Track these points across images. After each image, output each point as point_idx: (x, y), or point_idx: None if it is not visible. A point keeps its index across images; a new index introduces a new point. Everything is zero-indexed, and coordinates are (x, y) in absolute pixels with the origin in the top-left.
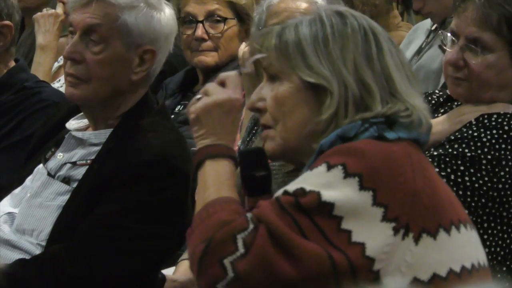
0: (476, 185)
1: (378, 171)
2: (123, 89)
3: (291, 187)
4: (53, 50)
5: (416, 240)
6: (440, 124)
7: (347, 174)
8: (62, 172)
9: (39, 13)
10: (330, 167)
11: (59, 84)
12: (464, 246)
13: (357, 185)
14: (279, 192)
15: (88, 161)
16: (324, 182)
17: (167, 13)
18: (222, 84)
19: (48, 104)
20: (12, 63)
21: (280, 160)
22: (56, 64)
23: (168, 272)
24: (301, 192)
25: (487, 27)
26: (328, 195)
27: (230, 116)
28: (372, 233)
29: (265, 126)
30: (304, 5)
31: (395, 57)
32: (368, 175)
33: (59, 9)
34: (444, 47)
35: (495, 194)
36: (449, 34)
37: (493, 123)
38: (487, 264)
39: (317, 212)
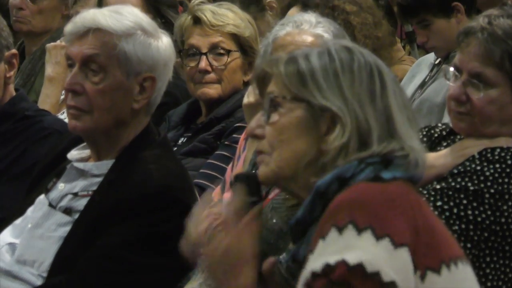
0: (479, 219)
1: (385, 217)
2: (125, 119)
3: (316, 264)
4: (62, 83)
5: (423, 278)
6: (443, 158)
7: (359, 230)
8: (64, 203)
9: (52, 44)
10: (340, 230)
11: (63, 117)
12: (463, 281)
13: (372, 238)
14: (307, 276)
15: (90, 192)
16: (342, 246)
17: (165, 41)
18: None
19: (50, 132)
20: (13, 92)
21: (272, 185)
22: (61, 97)
23: None
24: (328, 268)
25: (490, 62)
26: (353, 258)
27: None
28: (410, 276)
29: (261, 152)
30: (310, 39)
31: (398, 97)
32: (378, 224)
33: None
34: (448, 82)
35: (498, 228)
36: (452, 69)
37: (496, 157)
38: None
39: (353, 278)
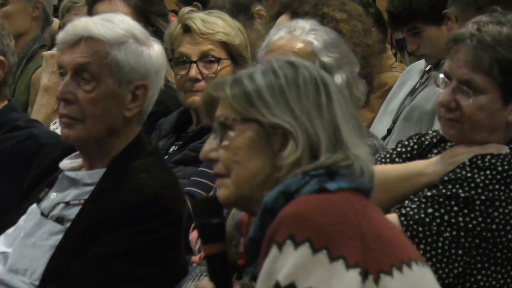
0: (470, 225)
1: (325, 228)
2: (117, 127)
3: (263, 287)
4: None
5: (376, 281)
6: (434, 165)
7: (297, 244)
8: (56, 212)
9: (49, 52)
10: (280, 247)
11: (55, 126)
12: (418, 282)
13: (309, 250)
14: None
15: (82, 201)
16: (278, 267)
17: (156, 49)
18: None
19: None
20: (5, 102)
21: (233, 207)
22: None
23: None
24: None
25: (479, 69)
26: (283, 277)
27: None
28: (346, 286)
29: (218, 175)
30: (299, 45)
31: (344, 107)
32: (316, 236)
33: None
34: (438, 88)
35: (489, 235)
36: (441, 75)
37: (487, 164)
38: None
39: None
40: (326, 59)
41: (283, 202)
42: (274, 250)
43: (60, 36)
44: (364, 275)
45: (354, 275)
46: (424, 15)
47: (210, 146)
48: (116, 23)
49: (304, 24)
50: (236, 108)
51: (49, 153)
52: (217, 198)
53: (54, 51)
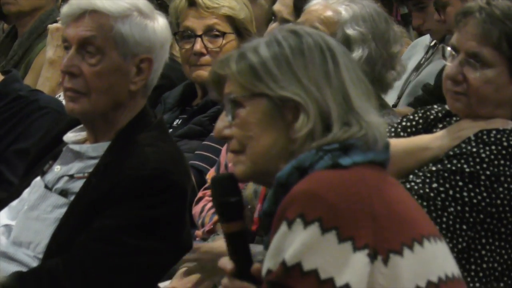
0: (475, 200)
1: (336, 207)
2: (122, 100)
3: (269, 264)
4: None
5: (385, 261)
6: (439, 140)
7: (306, 223)
8: (60, 185)
9: (54, 25)
10: (290, 224)
11: (59, 99)
12: (429, 261)
13: (318, 230)
14: (264, 274)
15: (86, 174)
16: (287, 244)
17: (161, 22)
18: None
19: (47, 111)
20: None
21: (250, 181)
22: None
23: (164, 285)
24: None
25: (487, 42)
26: (290, 255)
27: None
28: (351, 269)
29: (234, 152)
30: (328, 13)
31: (351, 72)
32: (327, 216)
33: None
34: (445, 61)
35: (494, 210)
36: (449, 48)
37: (492, 139)
38: (458, 275)
39: (291, 279)
40: (350, 31)
41: (297, 177)
42: (283, 227)
43: (64, 9)
44: (374, 256)
45: (361, 257)
46: None
47: (223, 123)
48: None
49: None
50: (244, 84)
51: (53, 126)
52: (234, 175)
53: (59, 24)
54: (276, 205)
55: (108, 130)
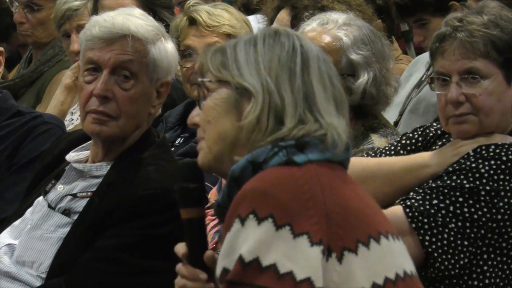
0: (475, 216)
1: (288, 204)
2: (141, 123)
3: (225, 262)
4: (75, 94)
5: (339, 259)
6: (438, 157)
7: (259, 219)
8: (63, 204)
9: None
10: (243, 221)
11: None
12: (386, 257)
13: (272, 226)
14: (219, 272)
15: (89, 193)
16: (241, 241)
17: (171, 44)
18: None
19: (52, 127)
20: None
21: (209, 171)
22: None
23: None
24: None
25: (476, 55)
26: (247, 252)
27: None
28: (310, 263)
29: (199, 139)
30: (327, 40)
31: (325, 77)
32: (279, 213)
33: None
34: (437, 92)
35: (494, 225)
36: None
37: (491, 154)
38: (415, 273)
39: (250, 275)
40: (354, 56)
41: (250, 172)
42: (236, 224)
43: (96, 31)
44: (328, 253)
45: (317, 252)
46: (431, 6)
47: (196, 111)
48: (145, 20)
49: (338, 17)
50: (211, 70)
51: (55, 146)
52: (197, 163)
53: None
54: (229, 198)
55: (118, 149)
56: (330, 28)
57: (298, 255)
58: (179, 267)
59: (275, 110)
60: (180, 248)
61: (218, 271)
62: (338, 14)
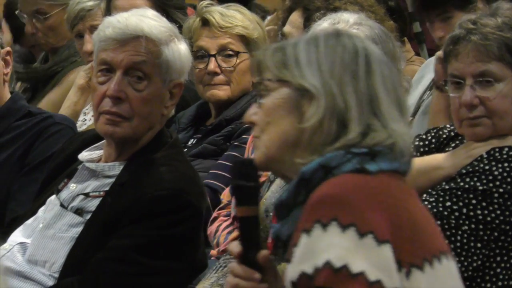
0: (488, 218)
1: (367, 213)
2: (154, 124)
3: (303, 266)
4: (89, 94)
5: (407, 274)
6: (452, 158)
7: (343, 227)
8: (75, 203)
9: (89, 49)
10: (325, 226)
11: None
12: (446, 278)
13: (355, 234)
14: (294, 275)
15: (101, 193)
16: (323, 246)
17: (184, 46)
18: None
19: (63, 127)
20: (8, 91)
21: (266, 170)
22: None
23: None
24: (316, 272)
25: (490, 58)
26: (335, 258)
27: None
28: (394, 272)
29: (255, 137)
30: None
31: (388, 80)
32: (360, 221)
33: None
34: (451, 94)
35: (508, 227)
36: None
37: (505, 156)
38: None
39: (343, 281)
40: None
41: (321, 175)
42: (317, 230)
43: (109, 32)
44: (398, 268)
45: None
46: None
47: (253, 109)
48: (158, 21)
49: (349, 17)
50: (273, 69)
51: (68, 145)
52: (254, 161)
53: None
54: (294, 198)
55: (131, 150)
56: (341, 28)
57: (385, 264)
58: (233, 265)
59: (338, 113)
60: (235, 246)
61: (294, 274)
62: (349, 14)
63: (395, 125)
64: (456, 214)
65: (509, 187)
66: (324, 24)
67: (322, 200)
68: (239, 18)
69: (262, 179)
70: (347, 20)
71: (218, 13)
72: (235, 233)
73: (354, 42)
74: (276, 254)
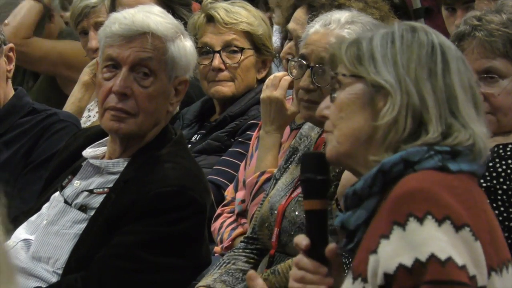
0: None
1: (457, 207)
2: (160, 121)
3: (402, 258)
4: (93, 90)
5: (488, 276)
6: None
7: (438, 221)
8: (79, 200)
9: (94, 46)
10: (421, 220)
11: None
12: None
13: (452, 228)
14: (391, 267)
15: (105, 190)
16: (421, 239)
17: (189, 42)
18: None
19: (68, 124)
20: (12, 87)
21: (337, 165)
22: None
23: None
24: (418, 264)
25: (495, 54)
26: (440, 251)
27: None
28: (484, 271)
29: (327, 131)
30: (332, 40)
31: (464, 77)
32: (454, 215)
33: None
34: None
35: (511, 224)
36: None
37: (509, 153)
38: None
39: (454, 273)
40: None
41: (401, 169)
42: (412, 223)
43: (115, 29)
44: None
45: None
46: None
47: (325, 104)
48: (164, 17)
49: (340, 17)
50: (347, 64)
51: (72, 142)
52: (324, 155)
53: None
54: (370, 188)
55: (136, 146)
56: (333, 29)
57: (479, 259)
58: (299, 258)
59: (414, 111)
60: (302, 239)
61: (390, 266)
62: (340, 13)
63: (474, 125)
64: None
65: None
66: (315, 26)
67: (412, 194)
68: (244, 15)
69: (266, 175)
70: (338, 20)
71: (223, 10)
72: (239, 230)
73: (430, 38)
74: (337, 243)
